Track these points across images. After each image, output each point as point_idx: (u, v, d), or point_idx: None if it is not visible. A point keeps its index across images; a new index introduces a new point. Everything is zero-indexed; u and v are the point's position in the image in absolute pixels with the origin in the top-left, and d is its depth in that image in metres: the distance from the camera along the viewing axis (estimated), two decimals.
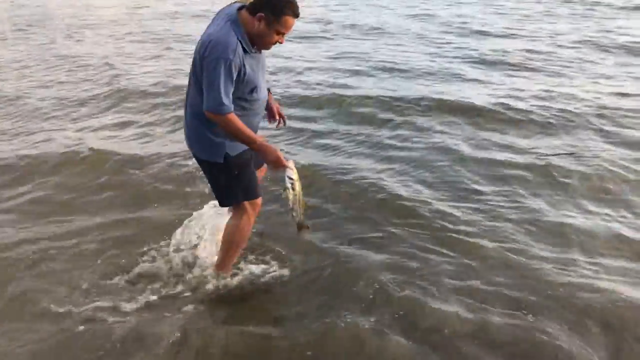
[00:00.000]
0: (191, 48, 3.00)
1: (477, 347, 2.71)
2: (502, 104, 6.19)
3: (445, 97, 6.48)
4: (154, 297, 3.11)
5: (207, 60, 2.57)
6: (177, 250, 3.46)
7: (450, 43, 9.69)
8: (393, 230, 3.74)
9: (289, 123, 3.52)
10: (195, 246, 3.46)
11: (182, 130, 3.02)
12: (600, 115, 5.82)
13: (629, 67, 7.79)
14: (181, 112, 3.57)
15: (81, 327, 2.88)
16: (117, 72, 8.23)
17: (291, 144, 5.39)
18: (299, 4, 2.65)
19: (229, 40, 2.57)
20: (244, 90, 2.72)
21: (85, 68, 8.70)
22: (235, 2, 2.76)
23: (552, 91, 6.67)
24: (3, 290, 3.18)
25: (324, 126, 5.87)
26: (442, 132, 5.53)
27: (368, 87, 7.15)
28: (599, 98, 6.37)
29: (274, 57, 8.24)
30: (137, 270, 3.34)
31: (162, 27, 12.17)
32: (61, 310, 3.02)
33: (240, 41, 2.60)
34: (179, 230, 3.59)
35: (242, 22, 2.64)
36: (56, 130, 6.00)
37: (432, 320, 2.87)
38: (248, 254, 3.42)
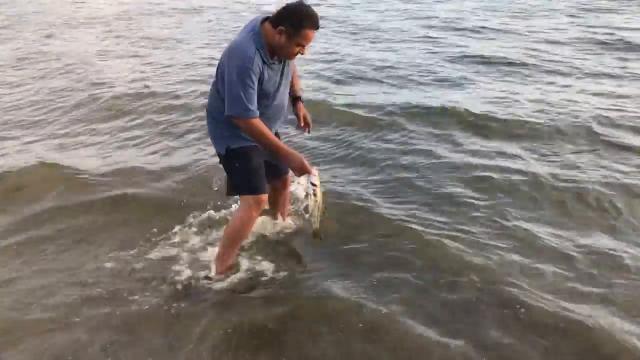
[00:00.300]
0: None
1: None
2: (492, 109, 5.81)
3: (431, 101, 6.10)
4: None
5: (228, 69, 2.74)
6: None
7: (437, 40, 9.29)
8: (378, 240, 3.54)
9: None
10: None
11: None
12: (596, 120, 5.43)
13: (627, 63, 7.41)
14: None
15: (76, 319, 2.89)
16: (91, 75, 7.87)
17: None
18: None
19: (247, 50, 2.71)
20: (257, 97, 2.83)
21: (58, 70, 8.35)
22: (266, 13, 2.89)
23: (547, 93, 6.32)
24: None
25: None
26: (425, 139, 5.17)
27: (351, 91, 6.74)
28: (596, 100, 6.02)
29: None
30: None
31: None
32: None
33: (259, 51, 2.73)
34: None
35: (265, 33, 2.77)
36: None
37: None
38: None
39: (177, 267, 3.31)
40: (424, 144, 5.09)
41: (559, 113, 5.66)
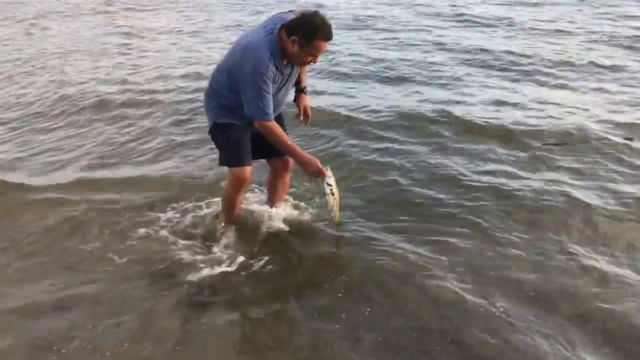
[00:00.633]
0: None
1: None
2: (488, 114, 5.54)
3: (425, 104, 5.87)
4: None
5: (242, 68, 2.87)
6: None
7: (431, 32, 9.21)
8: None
9: None
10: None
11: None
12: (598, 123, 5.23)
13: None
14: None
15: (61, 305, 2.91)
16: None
17: None
18: None
19: (262, 56, 2.82)
20: None
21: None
22: (290, 11, 2.98)
23: (547, 94, 6.20)
24: None
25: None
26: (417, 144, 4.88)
27: (337, 91, 6.55)
28: (596, 100, 5.92)
29: None
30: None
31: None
32: None
33: (273, 57, 2.83)
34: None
35: (281, 39, 2.85)
36: None
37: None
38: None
39: (170, 255, 3.34)
40: (408, 146, 4.89)
41: (560, 115, 5.50)
